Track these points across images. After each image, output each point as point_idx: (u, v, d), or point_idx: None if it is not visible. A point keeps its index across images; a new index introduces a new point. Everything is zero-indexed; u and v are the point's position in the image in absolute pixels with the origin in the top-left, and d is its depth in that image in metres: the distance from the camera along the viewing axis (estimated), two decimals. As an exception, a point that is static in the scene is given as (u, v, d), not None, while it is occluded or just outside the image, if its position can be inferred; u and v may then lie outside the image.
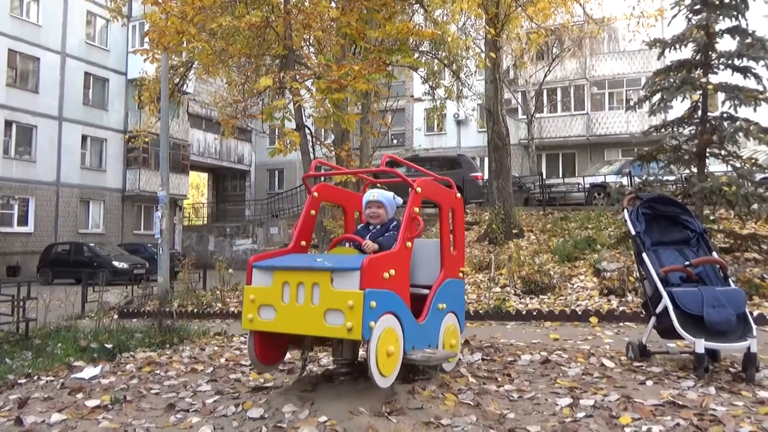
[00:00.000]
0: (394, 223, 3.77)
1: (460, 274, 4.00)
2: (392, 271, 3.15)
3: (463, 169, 18.42)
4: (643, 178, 8.90)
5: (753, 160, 8.36)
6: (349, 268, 3.02)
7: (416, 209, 3.42)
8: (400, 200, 3.91)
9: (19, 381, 4.35)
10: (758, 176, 8.57)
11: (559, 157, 27.56)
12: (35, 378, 4.43)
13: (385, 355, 3.03)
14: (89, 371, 4.46)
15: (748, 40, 7.87)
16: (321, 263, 3.17)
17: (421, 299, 3.58)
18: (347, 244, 3.76)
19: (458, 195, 4.07)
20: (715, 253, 4.22)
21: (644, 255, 4.14)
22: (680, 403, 3.11)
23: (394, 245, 3.41)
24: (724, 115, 8.11)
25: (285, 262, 3.33)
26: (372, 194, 3.83)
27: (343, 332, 2.95)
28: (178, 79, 14.27)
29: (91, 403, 3.58)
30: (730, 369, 3.85)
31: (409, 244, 3.37)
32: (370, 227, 3.79)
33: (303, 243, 3.72)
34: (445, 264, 3.77)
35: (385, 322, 3.06)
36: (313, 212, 3.78)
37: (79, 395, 3.81)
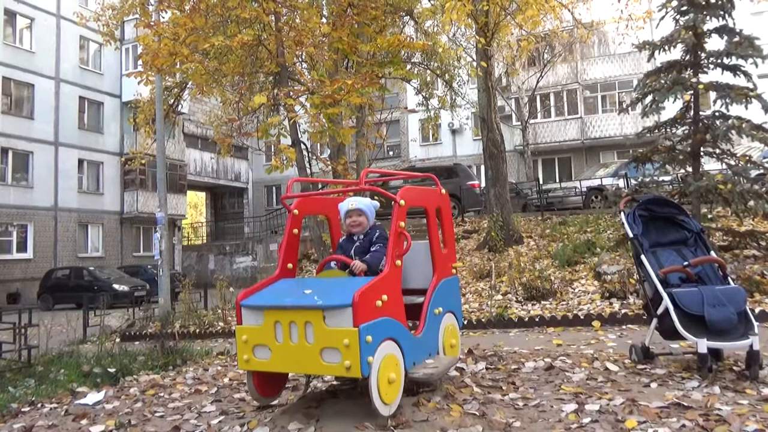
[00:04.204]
0: (377, 233, 3.69)
1: (453, 271, 3.94)
2: (385, 297, 3.08)
3: (460, 177, 18.46)
4: (639, 179, 8.92)
5: (747, 158, 8.40)
6: (340, 305, 2.93)
7: (402, 224, 3.35)
8: (377, 204, 3.83)
9: (22, 409, 4.34)
10: (753, 173, 8.60)
11: (555, 161, 27.66)
12: (39, 405, 4.41)
13: (386, 383, 2.99)
14: (93, 397, 4.44)
15: (736, 39, 7.94)
16: (311, 299, 3.05)
17: (416, 305, 3.55)
18: (333, 264, 3.67)
19: (442, 191, 4.00)
20: (713, 252, 4.23)
21: (643, 257, 4.15)
22: (685, 404, 3.11)
23: (382, 261, 3.36)
24: (716, 113, 8.16)
25: (274, 299, 3.22)
26: (350, 203, 3.74)
27: (342, 370, 2.90)
28: (172, 100, 14.36)
29: (96, 429, 3.57)
30: (734, 368, 3.85)
31: (398, 262, 3.30)
32: (354, 238, 3.73)
33: (290, 266, 3.65)
34: (437, 266, 3.72)
35: (383, 351, 3.01)
36: (295, 231, 3.69)
37: (84, 421, 3.80)
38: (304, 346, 2.98)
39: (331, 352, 2.92)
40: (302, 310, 3.02)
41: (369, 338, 2.89)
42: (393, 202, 3.40)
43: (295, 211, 3.72)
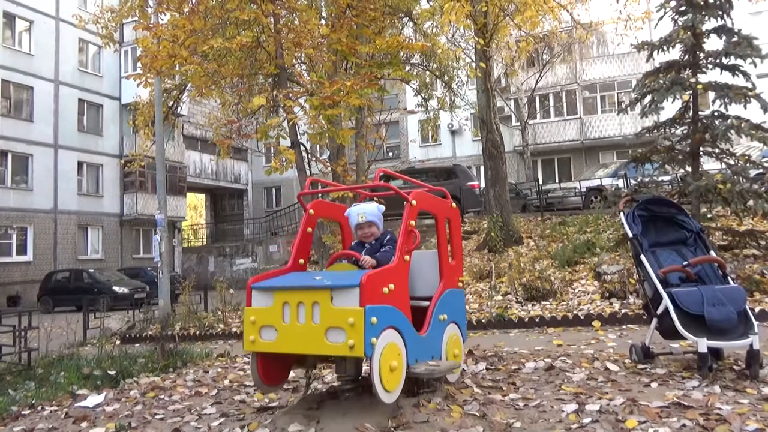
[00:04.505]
0: (388, 236, 3.74)
1: (460, 284, 3.99)
2: (392, 286, 3.14)
3: (460, 178, 18.47)
4: (639, 179, 8.93)
5: (746, 157, 8.40)
6: (348, 285, 3.01)
7: (412, 222, 3.41)
8: (383, 207, 3.87)
9: (23, 412, 4.33)
10: (752, 172, 8.60)
11: (555, 162, 27.67)
12: (39, 408, 4.41)
13: (388, 370, 3.01)
14: (93, 399, 4.44)
15: (735, 39, 7.94)
16: (320, 281, 3.15)
17: (421, 311, 3.57)
18: (344, 261, 3.72)
19: (453, 205, 4.07)
20: (713, 252, 4.23)
21: (642, 257, 4.15)
22: (685, 403, 3.11)
23: (391, 261, 3.39)
24: (715, 113, 8.17)
25: (284, 282, 3.32)
26: (359, 215, 3.74)
27: (345, 350, 2.93)
28: (171, 102, 14.36)
29: (97, 431, 3.56)
30: (734, 367, 3.85)
31: (407, 257, 3.36)
32: (365, 244, 3.76)
33: (301, 261, 3.70)
34: (444, 275, 3.76)
35: (387, 338, 3.05)
36: (309, 230, 3.78)
37: (84, 424, 3.80)
38: (310, 326, 3.03)
39: (335, 332, 2.97)
40: (311, 290, 3.09)
41: (374, 320, 2.94)
42: (405, 202, 3.45)
43: (311, 211, 3.80)
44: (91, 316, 10.72)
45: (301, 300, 3.09)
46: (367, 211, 3.77)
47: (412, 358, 3.26)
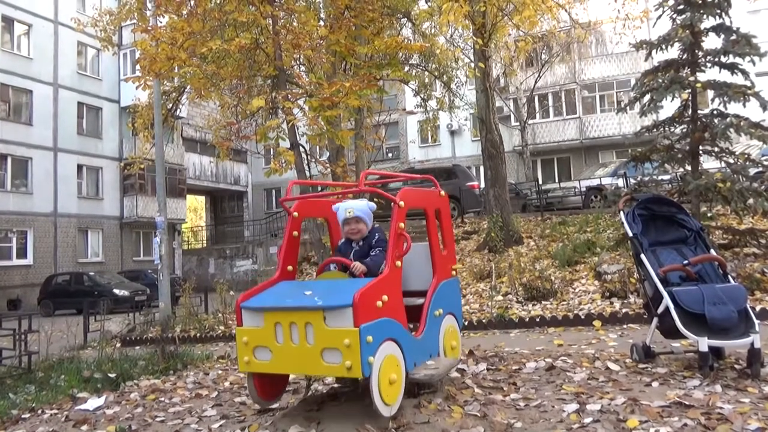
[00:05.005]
0: (377, 237, 3.66)
1: (453, 272, 3.94)
2: (385, 297, 3.08)
3: (459, 179, 18.46)
4: (638, 178, 8.92)
5: (746, 156, 8.39)
6: (341, 306, 2.93)
7: (402, 225, 3.34)
8: (373, 206, 3.78)
9: (23, 416, 4.33)
10: (752, 171, 8.59)
11: (554, 161, 27.67)
12: (39, 412, 4.41)
13: (387, 384, 2.98)
14: (93, 402, 4.43)
15: (733, 37, 7.94)
16: (311, 300, 3.05)
17: (416, 307, 3.54)
18: (333, 267, 3.65)
19: (442, 193, 3.99)
20: (713, 251, 4.22)
21: (643, 256, 4.14)
22: (687, 403, 3.10)
23: (383, 265, 3.33)
24: (714, 112, 8.16)
25: (273, 300, 3.22)
26: (347, 210, 3.65)
27: (343, 371, 2.89)
28: (171, 104, 14.37)
29: (97, 434, 3.56)
30: (735, 366, 3.84)
31: (398, 263, 3.29)
32: (353, 244, 3.68)
33: (290, 268, 3.64)
34: (437, 268, 3.72)
35: (384, 352, 3.00)
36: (295, 233, 3.69)
37: (84, 427, 3.79)
38: (305, 347, 2.98)
39: (331, 352, 2.92)
40: (303, 311, 3.01)
41: (369, 338, 2.89)
42: (392, 204, 3.38)
43: (295, 214, 3.71)
44: (91, 319, 10.72)
45: (293, 320, 3.02)
46: (355, 207, 3.67)
47: (411, 362, 3.24)
